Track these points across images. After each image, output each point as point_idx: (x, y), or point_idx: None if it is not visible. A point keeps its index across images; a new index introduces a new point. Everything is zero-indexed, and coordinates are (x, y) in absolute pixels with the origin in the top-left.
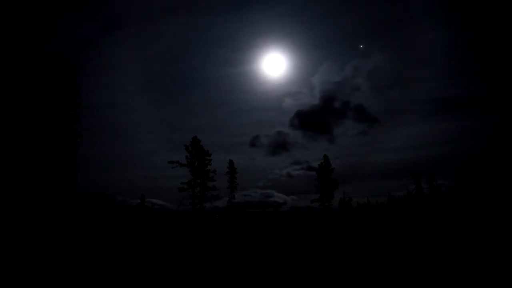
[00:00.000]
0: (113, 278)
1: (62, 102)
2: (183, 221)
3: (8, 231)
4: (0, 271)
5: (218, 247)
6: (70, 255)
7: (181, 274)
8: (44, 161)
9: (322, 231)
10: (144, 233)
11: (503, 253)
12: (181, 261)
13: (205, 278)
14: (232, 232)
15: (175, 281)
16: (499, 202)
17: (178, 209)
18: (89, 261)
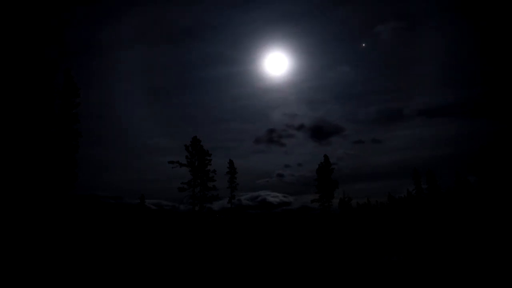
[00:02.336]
0: (115, 276)
1: (62, 102)
2: (183, 221)
3: (8, 230)
4: (2, 271)
5: (218, 247)
6: (70, 254)
7: (182, 273)
8: (44, 161)
9: (322, 231)
10: (145, 232)
11: (503, 253)
12: (182, 260)
13: (205, 278)
14: (232, 232)
15: (176, 280)
16: (499, 202)
17: (178, 209)
18: (91, 259)
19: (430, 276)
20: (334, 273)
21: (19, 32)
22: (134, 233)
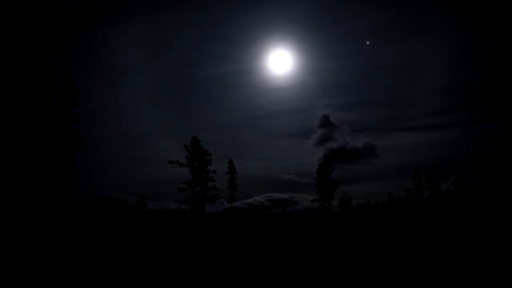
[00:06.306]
0: (115, 277)
1: (62, 102)
2: (182, 221)
3: (8, 231)
4: (1, 271)
5: (218, 247)
6: (71, 255)
7: (182, 273)
8: (44, 162)
9: (322, 230)
10: (145, 233)
11: (503, 253)
12: (181, 260)
13: (205, 277)
14: (231, 233)
15: (176, 280)
16: (499, 202)
17: (178, 209)
18: (91, 260)
19: (431, 276)
20: (333, 272)
21: (19, 32)
22: (134, 233)
